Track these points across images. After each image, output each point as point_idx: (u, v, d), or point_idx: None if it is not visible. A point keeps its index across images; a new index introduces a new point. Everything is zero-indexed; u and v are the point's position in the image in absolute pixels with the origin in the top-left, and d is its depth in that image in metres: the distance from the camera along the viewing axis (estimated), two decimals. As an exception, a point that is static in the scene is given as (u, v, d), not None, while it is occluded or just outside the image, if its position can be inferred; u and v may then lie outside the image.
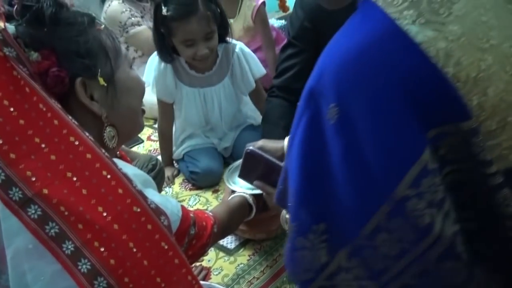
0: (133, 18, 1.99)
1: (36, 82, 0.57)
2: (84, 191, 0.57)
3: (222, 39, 1.47)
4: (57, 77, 0.59)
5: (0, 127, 0.54)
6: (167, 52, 1.43)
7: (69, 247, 0.55)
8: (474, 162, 0.55)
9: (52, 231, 0.55)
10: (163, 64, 1.47)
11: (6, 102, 0.55)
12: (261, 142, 1.21)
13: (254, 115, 1.69)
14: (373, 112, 0.52)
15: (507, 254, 0.58)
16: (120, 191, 0.59)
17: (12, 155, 0.54)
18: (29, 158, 0.55)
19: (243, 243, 1.25)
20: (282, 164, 1.07)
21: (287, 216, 0.81)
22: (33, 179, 0.55)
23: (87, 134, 0.59)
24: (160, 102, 1.56)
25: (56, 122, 0.57)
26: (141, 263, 0.58)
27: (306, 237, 0.61)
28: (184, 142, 1.64)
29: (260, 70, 1.57)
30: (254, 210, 1.06)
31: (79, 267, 0.55)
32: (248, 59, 1.54)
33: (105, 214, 0.57)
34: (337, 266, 0.61)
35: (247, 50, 1.56)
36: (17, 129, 0.55)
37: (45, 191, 0.55)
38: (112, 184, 0.59)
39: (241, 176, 1.07)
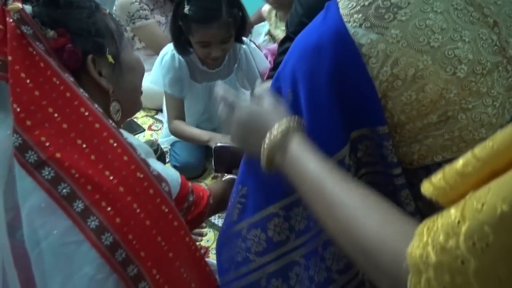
0: (141, 11, 2.01)
1: (51, 58, 0.62)
2: (92, 157, 0.62)
3: (239, 39, 1.45)
4: (72, 53, 0.64)
5: (18, 97, 0.59)
6: (183, 46, 1.40)
7: (79, 205, 0.60)
8: (384, 163, 0.60)
9: (64, 191, 0.60)
10: (177, 63, 1.44)
11: (23, 75, 0.60)
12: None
13: None
14: (311, 103, 0.58)
15: None
16: (125, 158, 0.64)
17: (28, 122, 0.59)
18: (43, 126, 0.60)
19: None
20: None
21: None
22: (47, 144, 0.60)
23: (96, 106, 0.64)
24: (172, 99, 1.49)
25: (68, 94, 0.62)
26: (144, 223, 0.63)
27: (235, 192, 0.71)
28: None
29: (264, 64, 1.59)
30: None
31: (88, 223, 0.60)
32: (254, 54, 1.55)
33: (111, 177, 0.62)
34: (239, 231, 0.69)
35: (252, 45, 1.57)
36: (32, 99, 0.60)
37: (58, 155, 0.60)
38: (118, 151, 0.64)
39: (217, 171, 1.14)
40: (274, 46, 2.22)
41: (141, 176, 0.64)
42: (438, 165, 0.60)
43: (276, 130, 0.56)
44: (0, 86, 0.60)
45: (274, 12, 2.03)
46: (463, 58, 0.55)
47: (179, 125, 1.50)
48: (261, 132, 0.58)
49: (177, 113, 1.51)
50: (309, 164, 0.52)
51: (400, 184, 0.60)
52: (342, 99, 0.57)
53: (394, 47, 0.55)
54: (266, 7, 2.05)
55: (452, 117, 0.57)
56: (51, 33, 0.63)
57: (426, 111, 0.57)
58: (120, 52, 0.74)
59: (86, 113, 0.63)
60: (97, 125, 0.63)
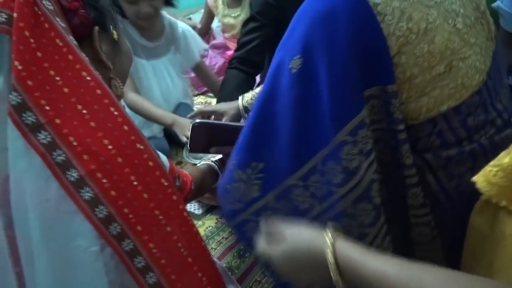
0: None
1: (58, 18, 0.58)
2: (92, 124, 0.58)
3: (168, 2, 1.44)
4: (85, 18, 0.61)
5: (21, 55, 0.53)
6: (116, 9, 1.37)
7: (73, 175, 0.56)
8: (390, 120, 0.62)
9: (59, 158, 0.55)
10: None
11: (27, 33, 0.54)
12: (215, 106, 1.23)
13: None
14: (331, 65, 0.58)
15: (402, 201, 0.67)
16: (125, 127, 0.60)
17: (29, 82, 0.54)
18: (44, 88, 0.55)
19: (209, 209, 1.27)
20: (231, 123, 1.11)
21: None
22: (47, 108, 0.55)
23: (97, 73, 0.60)
24: None
25: (70, 57, 0.57)
26: (141, 196, 0.59)
27: (244, 171, 0.68)
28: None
29: (201, 44, 1.62)
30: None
31: (82, 194, 0.56)
32: (192, 35, 1.58)
33: (110, 147, 0.58)
34: (265, 204, 0.68)
35: (188, 27, 1.59)
36: (34, 60, 0.55)
37: (57, 121, 0.55)
38: (119, 120, 0.60)
39: (193, 150, 1.04)
40: (221, 40, 2.17)
41: (141, 147, 0.61)
42: (443, 116, 0.64)
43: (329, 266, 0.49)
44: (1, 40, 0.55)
45: (220, 0, 2.00)
46: (458, 12, 0.61)
47: (139, 99, 1.42)
48: (310, 267, 0.53)
49: (133, 85, 1.43)
50: (373, 274, 0.47)
51: (403, 139, 0.63)
52: (359, 60, 0.58)
53: (407, 4, 0.58)
54: None
55: (455, 66, 0.62)
56: None
57: (435, 62, 0.60)
58: (119, 34, 0.71)
59: (88, 78, 0.58)
60: (98, 91, 0.59)
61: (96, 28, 0.64)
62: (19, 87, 0.53)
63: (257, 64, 1.46)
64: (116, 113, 0.59)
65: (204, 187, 1.02)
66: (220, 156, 1.04)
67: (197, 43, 1.60)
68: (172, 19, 1.55)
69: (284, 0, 1.35)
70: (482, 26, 0.66)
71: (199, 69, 1.67)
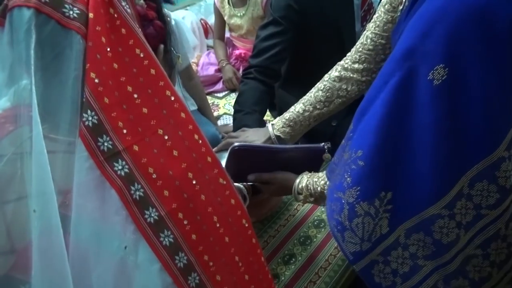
0: None
1: (137, 24, 0.47)
2: (175, 153, 0.47)
3: None
4: (161, 29, 0.52)
5: (97, 65, 0.43)
6: None
7: (152, 214, 0.45)
8: None
9: (137, 193, 0.45)
10: None
11: (103, 39, 0.43)
12: (241, 135, 1.05)
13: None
14: (489, 73, 0.50)
15: None
16: (209, 159, 0.50)
17: (106, 100, 0.43)
18: (121, 107, 0.44)
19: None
20: (273, 145, 0.97)
21: (303, 185, 0.77)
22: (125, 131, 0.44)
23: None
24: None
25: (153, 71, 0.47)
26: (223, 240, 0.50)
27: (372, 203, 0.57)
28: None
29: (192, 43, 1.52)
30: (248, 201, 0.99)
31: (161, 238, 0.46)
32: (184, 31, 1.43)
33: (194, 182, 0.48)
34: (395, 240, 0.58)
35: (179, 18, 1.48)
36: (111, 72, 0.44)
37: (136, 147, 0.45)
38: (203, 150, 0.50)
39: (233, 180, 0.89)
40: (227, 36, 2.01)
41: (224, 182, 0.51)
42: None
43: None
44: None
45: (226, 0, 1.89)
46: None
47: None
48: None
49: None
50: None
51: None
52: None
53: None
54: None
55: None
56: (140, 1, 0.49)
57: None
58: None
59: (172, 98, 0.48)
60: (183, 115, 0.49)
61: (162, 46, 0.55)
62: (96, 105, 0.43)
63: (277, 73, 1.33)
64: (200, 141, 0.50)
65: None
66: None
67: (189, 42, 1.44)
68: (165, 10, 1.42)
69: (307, 5, 1.25)
70: None
71: (187, 74, 1.42)
